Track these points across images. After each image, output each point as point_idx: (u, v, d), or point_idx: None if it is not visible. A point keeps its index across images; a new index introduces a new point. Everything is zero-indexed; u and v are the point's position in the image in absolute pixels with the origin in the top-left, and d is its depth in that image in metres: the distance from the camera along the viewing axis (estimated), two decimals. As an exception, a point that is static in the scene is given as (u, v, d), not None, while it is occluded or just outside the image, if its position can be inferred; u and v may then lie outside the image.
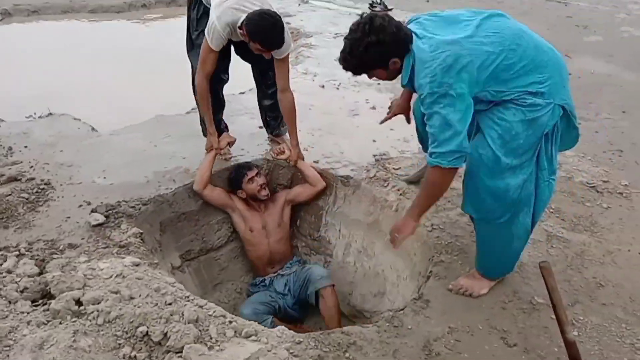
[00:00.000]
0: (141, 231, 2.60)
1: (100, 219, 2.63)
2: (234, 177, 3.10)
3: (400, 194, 2.94)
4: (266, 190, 3.07)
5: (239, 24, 2.66)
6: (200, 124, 3.32)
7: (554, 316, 2.15)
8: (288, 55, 2.88)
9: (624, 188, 3.11)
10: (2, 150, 3.22)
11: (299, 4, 6.90)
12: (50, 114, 3.73)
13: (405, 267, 2.75)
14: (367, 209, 3.03)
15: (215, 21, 2.68)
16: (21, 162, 3.10)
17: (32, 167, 3.06)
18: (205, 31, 2.74)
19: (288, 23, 6.04)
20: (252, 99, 3.97)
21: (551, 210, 2.90)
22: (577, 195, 3.05)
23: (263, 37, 2.60)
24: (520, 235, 2.20)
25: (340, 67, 2.09)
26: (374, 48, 1.96)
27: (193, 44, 3.09)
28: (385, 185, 3.04)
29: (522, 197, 2.09)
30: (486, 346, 2.06)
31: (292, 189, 3.24)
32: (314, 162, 3.28)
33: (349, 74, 2.13)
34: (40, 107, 3.80)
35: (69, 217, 2.66)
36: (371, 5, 6.68)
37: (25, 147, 3.27)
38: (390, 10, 6.66)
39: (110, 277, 2.20)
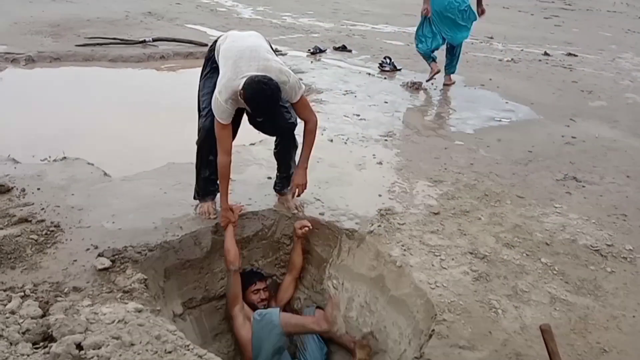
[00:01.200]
0: (146, 277, 2.62)
1: (106, 263, 2.66)
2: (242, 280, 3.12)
3: (405, 250, 2.96)
4: (265, 302, 3.14)
5: (240, 89, 2.70)
6: (196, 186, 3.25)
7: (556, 381, 2.14)
8: (302, 96, 2.91)
9: (629, 252, 3.11)
10: (15, 191, 3.29)
11: (312, 62, 7.12)
12: (65, 157, 3.82)
13: (407, 324, 2.73)
14: (371, 263, 3.04)
15: (217, 96, 2.75)
16: (33, 203, 3.16)
17: (43, 209, 3.12)
18: (212, 108, 2.81)
19: (300, 79, 6.26)
20: (262, 151, 4.09)
21: (555, 272, 2.90)
22: (581, 258, 3.05)
23: (254, 106, 2.68)
24: None
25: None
26: None
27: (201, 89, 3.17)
28: (389, 240, 3.07)
29: None
30: (487, 409, 2.03)
31: (279, 295, 3.28)
32: (320, 214, 3.32)
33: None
34: (56, 150, 3.90)
35: (75, 260, 2.69)
36: (380, 65, 6.89)
37: (38, 189, 3.33)
38: (399, 70, 6.86)
39: (113, 322, 2.21)
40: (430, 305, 2.61)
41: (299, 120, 3.08)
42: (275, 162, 3.40)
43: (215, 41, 3.10)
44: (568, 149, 4.70)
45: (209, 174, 3.15)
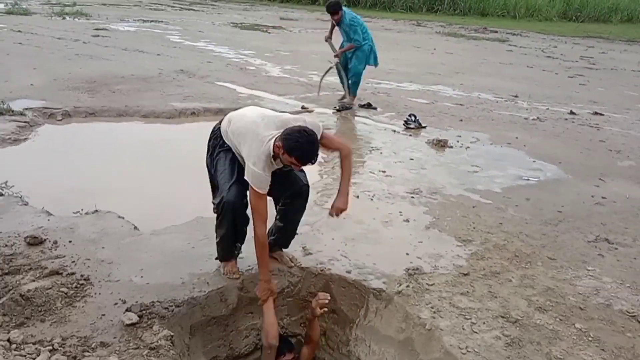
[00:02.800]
0: (172, 334, 2.61)
1: (134, 318, 2.66)
2: None
3: (434, 312, 2.90)
4: None
5: (272, 150, 2.76)
6: (218, 246, 3.21)
7: None
8: (323, 132, 2.93)
9: (667, 320, 3.00)
10: (48, 243, 3.36)
11: (337, 119, 7.25)
12: (97, 210, 3.90)
13: (437, 391, 2.64)
14: (399, 325, 2.98)
15: (253, 168, 2.76)
16: (64, 256, 3.22)
17: (74, 262, 3.17)
18: (248, 178, 2.81)
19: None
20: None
21: (590, 338, 2.80)
22: (617, 324, 2.94)
23: (300, 154, 2.69)
24: None
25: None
26: (338, 4, 7.33)
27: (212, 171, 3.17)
28: (418, 302, 3.01)
29: None
30: None
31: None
32: (346, 272, 3.30)
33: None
34: (88, 204, 4.00)
35: (104, 315, 2.71)
36: (405, 123, 6.97)
37: (70, 241, 3.40)
38: (424, 127, 6.93)
39: (139, 380, 2.20)
40: (461, 373, 2.53)
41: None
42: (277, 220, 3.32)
43: (217, 128, 3.12)
44: (598, 209, 4.62)
45: (233, 240, 3.16)
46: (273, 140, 2.77)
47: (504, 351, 2.65)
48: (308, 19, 22.28)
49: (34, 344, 2.47)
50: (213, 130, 3.17)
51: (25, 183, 4.37)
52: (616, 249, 3.87)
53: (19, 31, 12.58)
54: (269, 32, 16.52)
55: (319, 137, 2.86)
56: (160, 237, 3.57)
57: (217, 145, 3.10)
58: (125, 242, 3.46)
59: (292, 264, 3.37)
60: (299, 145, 2.67)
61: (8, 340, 2.47)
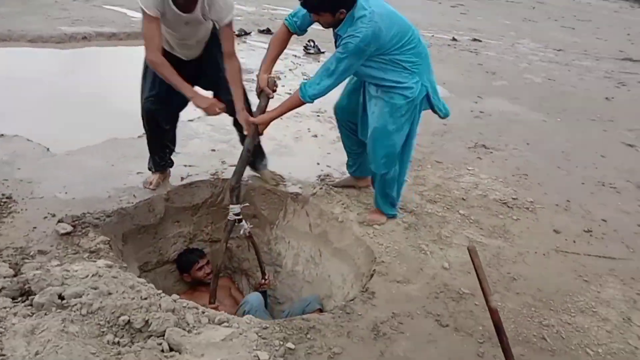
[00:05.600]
0: (108, 239, 2.78)
1: (68, 228, 2.78)
2: (184, 262, 3.37)
3: (344, 208, 3.32)
4: (210, 276, 3.29)
5: None
6: (150, 157, 3.34)
7: (477, 302, 2.59)
8: (232, 22, 2.86)
9: (530, 204, 3.67)
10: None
11: (238, 43, 7.28)
12: (2, 135, 3.80)
13: (350, 270, 3.09)
14: (315, 221, 3.37)
15: None
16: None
17: (-10, 183, 3.15)
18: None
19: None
20: (202, 125, 4.29)
21: (471, 221, 3.38)
22: (492, 209, 3.56)
23: None
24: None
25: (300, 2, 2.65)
26: None
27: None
28: (330, 201, 3.41)
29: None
30: (424, 326, 2.43)
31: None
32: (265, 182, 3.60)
33: None
34: (-10, 128, 3.87)
35: (35, 227, 2.79)
36: (305, 48, 7.19)
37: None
38: (323, 52, 7.20)
39: (87, 276, 2.36)
40: (370, 251, 2.99)
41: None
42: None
43: None
44: (477, 121, 5.28)
45: (161, 146, 3.30)
46: None
47: (404, 233, 3.15)
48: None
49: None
50: None
51: None
52: (491, 152, 4.53)
53: None
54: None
55: (227, 18, 2.78)
56: (76, 157, 3.60)
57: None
58: (41, 162, 3.46)
59: (275, 182, 3.53)
60: None
61: (-59, 254, 2.50)
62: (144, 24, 2.72)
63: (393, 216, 3.25)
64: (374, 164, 3.09)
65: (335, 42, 2.80)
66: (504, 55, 8.44)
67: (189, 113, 4.34)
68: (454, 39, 9.15)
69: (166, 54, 2.88)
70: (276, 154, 3.99)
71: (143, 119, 3.18)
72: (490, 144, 4.69)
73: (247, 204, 3.15)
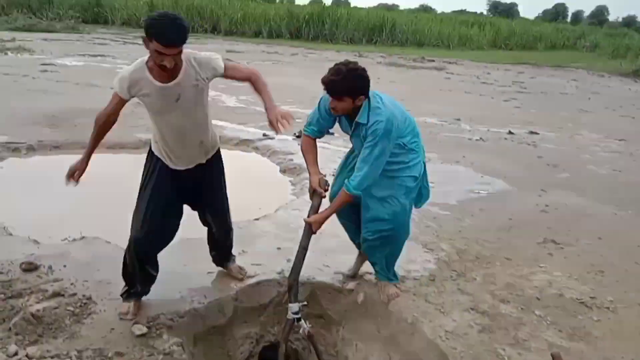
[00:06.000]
0: (181, 340, 2.82)
1: (144, 329, 2.86)
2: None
3: (413, 308, 3.25)
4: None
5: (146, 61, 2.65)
6: (126, 287, 3.15)
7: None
8: (226, 63, 2.86)
9: (610, 303, 3.47)
10: (43, 269, 3.48)
11: (299, 144, 7.60)
12: (83, 237, 4.04)
13: (422, 376, 2.97)
14: (383, 322, 3.31)
15: (121, 72, 2.74)
16: (62, 279, 3.36)
17: (72, 284, 3.32)
18: (114, 84, 2.78)
19: (290, 160, 6.69)
20: (267, 225, 4.41)
21: (548, 322, 3.22)
22: (569, 309, 3.39)
23: (157, 31, 2.45)
24: None
25: (324, 86, 2.86)
26: (361, 80, 2.84)
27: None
28: (396, 302, 3.35)
29: None
30: None
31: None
32: (330, 279, 3.60)
33: None
34: (72, 231, 4.12)
35: (113, 329, 2.89)
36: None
37: (65, 266, 3.54)
38: (332, 134, 7.35)
39: (162, 380, 2.41)
40: (444, 356, 2.88)
41: None
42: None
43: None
44: (543, 216, 5.16)
45: (144, 279, 3.13)
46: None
47: (478, 336, 3.03)
48: (254, 51, 22.75)
49: (52, 357, 2.62)
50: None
51: (3, 215, 4.44)
52: (562, 248, 4.38)
53: (-38, 68, 12.30)
54: (218, 65, 16.80)
55: (221, 67, 2.78)
56: (151, 258, 3.75)
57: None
58: (119, 263, 3.61)
59: (242, 276, 3.54)
60: (156, 22, 2.47)
61: (26, 356, 2.61)
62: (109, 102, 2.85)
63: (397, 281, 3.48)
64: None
65: (354, 131, 3.06)
66: (563, 147, 8.36)
67: (254, 212, 4.53)
68: (510, 132, 9.19)
69: (160, 169, 2.98)
70: (340, 250, 4.00)
71: (126, 255, 3.07)
72: (560, 239, 4.55)
73: (306, 303, 3.15)
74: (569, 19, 77.50)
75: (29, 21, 26.68)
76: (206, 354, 3.18)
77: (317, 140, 3.33)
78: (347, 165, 3.37)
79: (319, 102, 3.16)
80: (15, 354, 2.60)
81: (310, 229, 3.06)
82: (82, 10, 32.50)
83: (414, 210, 4.72)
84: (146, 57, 2.67)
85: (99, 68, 14.16)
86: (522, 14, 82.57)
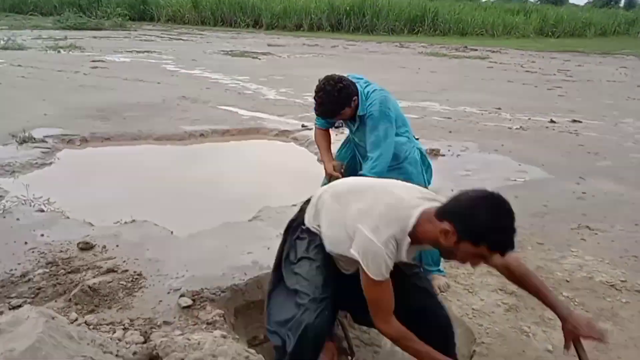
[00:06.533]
0: (223, 312, 3.06)
1: (189, 302, 3.11)
2: None
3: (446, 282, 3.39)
4: None
5: (410, 228, 1.96)
6: None
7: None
8: None
9: (641, 287, 3.51)
10: (97, 248, 3.79)
11: (336, 134, 7.78)
12: (134, 220, 4.34)
13: (449, 351, 3.10)
14: (413, 301, 3.46)
15: (370, 237, 1.93)
16: (115, 257, 3.65)
17: (124, 261, 3.60)
18: (355, 253, 1.99)
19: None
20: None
21: (576, 303, 3.29)
22: (598, 292, 3.45)
23: (502, 239, 1.84)
24: None
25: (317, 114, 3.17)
26: (344, 90, 2.98)
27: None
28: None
29: None
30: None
31: None
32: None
33: None
34: (124, 215, 4.43)
35: (161, 301, 3.15)
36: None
37: (117, 246, 3.83)
38: (417, 139, 7.45)
39: (205, 345, 2.64)
40: (470, 332, 3.00)
41: None
42: None
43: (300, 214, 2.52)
44: (579, 203, 5.16)
45: None
46: (420, 212, 1.99)
47: (504, 315, 3.14)
48: (294, 44, 23.01)
49: (107, 324, 2.90)
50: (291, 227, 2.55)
51: (61, 201, 4.81)
52: (596, 234, 4.40)
53: (19, 65, 13.01)
54: (260, 59, 17.16)
55: None
56: (195, 239, 4.01)
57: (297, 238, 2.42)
58: (167, 244, 3.90)
59: None
60: (491, 222, 1.80)
61: (85, 322, 2.90)
62: (371, 288, 2.01)
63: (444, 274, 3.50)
64: None
65: (359, 126, 3.26)
66: (606, 135, 8.21)
67: (292, 197, 4.73)
68: (552, 121, 9.07)
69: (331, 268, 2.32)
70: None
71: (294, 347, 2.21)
72: (595, 225, 4.56)
73: None
74: (622, 4, 74.30)
75: (79, 20, 27.83)
76: (246, 326, 3.41)
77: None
78: (342, 147, 3.70)
79: None
80: (76, 319, 2.89)
81: None
82: (129, 8, 33.58)
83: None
84: (411, 223, 1.98)
85: (145, 63, 14.73)
86: (571, 1, 79.75)
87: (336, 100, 3.00)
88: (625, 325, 3.06)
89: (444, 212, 1.92)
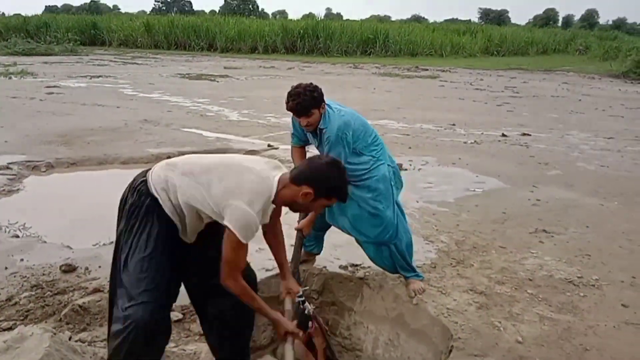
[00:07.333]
0: (213, 324, 3.17)
1: (179, 315, 3.22)
2: None
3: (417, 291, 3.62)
4: None
5: (274, 197, 2.33)
6: None
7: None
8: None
9: (595, 281, 3.84)
10: (80, 270, 3.84)
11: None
12: (112, 242, 4.38)
13: (428, 349, 3.32)
14: (390, 305, 3.67)
15: (246, 208, 2.21)
16: (99, 277, 3.71)
17: (109, 281, 3.66)
18: (230, 223, 2.22)
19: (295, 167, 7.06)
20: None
21: (539, 299, 3.58)
22: (558, 287, 3.75)
23: (341, 192, 2.45)
24: None
25: (291, 108, 3.23)
26: (317, 90, 3.20)
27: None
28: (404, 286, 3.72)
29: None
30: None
31: None
32: (340, 267, 3.97)
33: None
34: (102, 237, 4.48)
35: (151, 316, 3.24)
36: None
37: (99, 267, 3.89)
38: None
39: (201, 354, 2.76)
40: (446, 330, 3.23)
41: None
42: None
43: (139, 183, 2.60)
44: (535, 209, 5.54)
45: None
46: (278, 180, 2.34)
47: (476, 312, 3.39)
48: (251, 66, 23.27)
49: (101, 341, 2.98)
50: (132, 188, 2.61)
51: (35, 226, 4.81)
52: (552, 236, 4.75)
53: (-30, 93, 12.70)
54: (218, 81, 17.31)
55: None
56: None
57: (133, 213, 2.55)
58: (149, 263, 3.98)
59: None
60: (337, 181, 2.41)
61: (79, 340, 2.97)
62: (231, 249, 2.27)
63: (422, 278, 3.70)
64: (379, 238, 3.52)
65: (320, 140, 3.37)
66: (554, 147, 8.76)
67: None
68: (503, 135, 9.59)
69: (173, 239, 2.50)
70: (348, 244, 4.36)
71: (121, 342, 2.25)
72: (551, 228, 4.92)
73: (307, 287, 3.57)
74: (559, 24, 78.43)
75: (27, 45, 27.27)
76: (233, 338, 3.52)
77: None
78: None
79: (292, 121, 3.53)
80: (70, 338, 2.95)
81: (301, 234, 3.62)
82: (79, 33, 33.16)
83: (415, 207, 5.10)
84: (273, 190, 2.34)
85: (101, 88, 14.61)
86: (513, 21, 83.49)
87: (310, 97, 3.17)
88: (585, 316, 3.36)
89: (301, 179, 2.34)
